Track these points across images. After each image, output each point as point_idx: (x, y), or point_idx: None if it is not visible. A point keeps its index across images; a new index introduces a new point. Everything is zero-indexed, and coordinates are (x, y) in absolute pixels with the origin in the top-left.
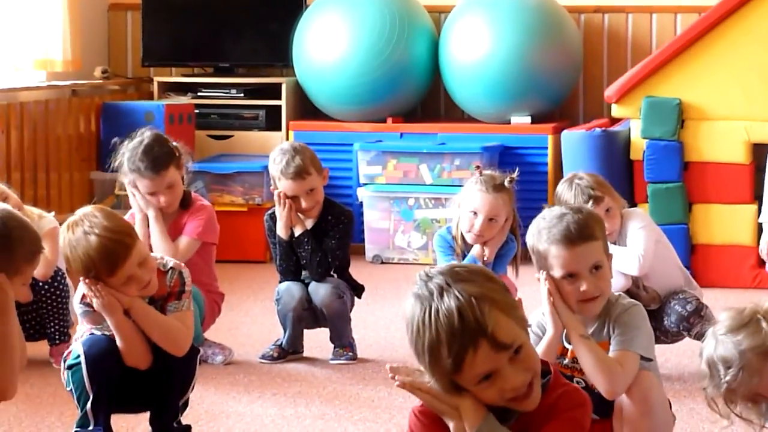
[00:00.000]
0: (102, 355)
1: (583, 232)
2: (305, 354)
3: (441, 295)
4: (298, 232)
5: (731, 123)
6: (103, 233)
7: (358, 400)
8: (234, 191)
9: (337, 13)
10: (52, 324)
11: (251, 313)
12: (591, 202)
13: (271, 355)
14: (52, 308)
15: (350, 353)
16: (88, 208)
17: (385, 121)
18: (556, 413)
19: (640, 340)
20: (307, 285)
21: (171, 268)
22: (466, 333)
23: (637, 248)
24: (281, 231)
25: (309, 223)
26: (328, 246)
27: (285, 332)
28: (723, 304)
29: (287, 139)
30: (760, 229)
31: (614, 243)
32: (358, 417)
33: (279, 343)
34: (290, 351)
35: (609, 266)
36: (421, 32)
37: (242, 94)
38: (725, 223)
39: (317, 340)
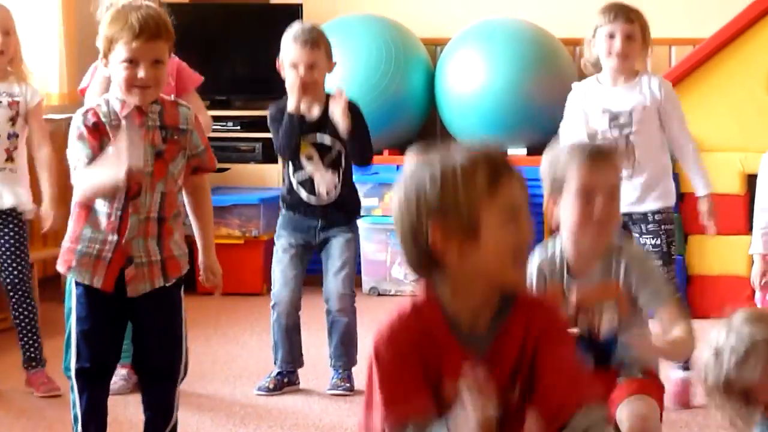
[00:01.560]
0: (95, 376)
1: (606, 154)
2: (302, 386)
3: (454, 149)
4: (316, 113)
5: (726, 154)
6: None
7: None
8: (231, 224)
9: (332, 46)
10: (26, 348)
11: (248, 345)
12: (622, 19)
13: (267, 387)
14: (24, 330)
15: (347, 384)
16: None
17: (381, 153)
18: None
19: (667, 286)
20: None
21: (184, 106)
22: (502, 159)
23: None
24: (292, 106)
25: (314, 112)
26: (360, 135)
27: (279, 350)
28: None
29: (283, 171)
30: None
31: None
32: None
33: (275, 374)
34: (286, 381)
35: (618, 201)
36: (417, 65)
37: (238, 127)
38: (721, 254)
39: (314, 372)
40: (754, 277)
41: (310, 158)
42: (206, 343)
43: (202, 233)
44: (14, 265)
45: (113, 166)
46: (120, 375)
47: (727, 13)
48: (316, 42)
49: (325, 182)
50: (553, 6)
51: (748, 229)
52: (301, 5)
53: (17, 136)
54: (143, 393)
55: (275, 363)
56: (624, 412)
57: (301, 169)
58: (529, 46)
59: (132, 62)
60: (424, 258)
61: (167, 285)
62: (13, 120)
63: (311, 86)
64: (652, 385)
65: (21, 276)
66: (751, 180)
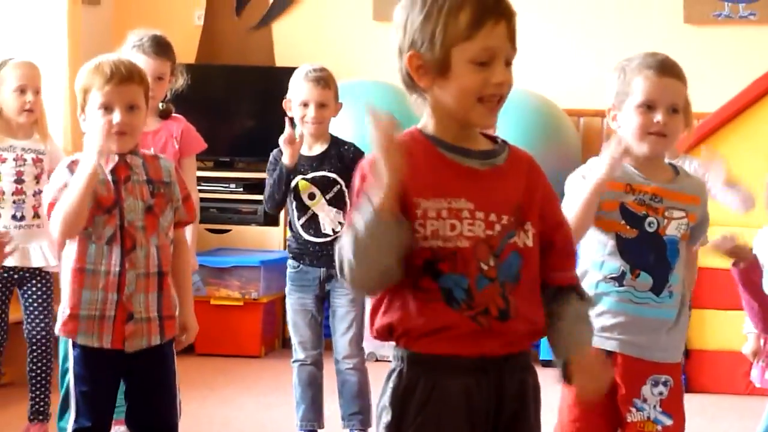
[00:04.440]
0: None
1: (675, 69)
2: None
3: None
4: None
5: (725, 229)
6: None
7: None
8: (231, 285)
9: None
10: (36, 401)
11: (245, 408)
12: None
13: None
14: (38, 384)
15: None
16: None
17: None
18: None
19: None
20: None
21: (164, 159)
22: (496, 5)
23: None
24: (287, 159)
25: (316, 149)
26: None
27: (301, 408)
28: (716, 410)
29: (285, 235)
30: None
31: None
32: None
33: None
34: None
35: (682, 122)
36: None
37: (241, 189)
38: (719, 329)
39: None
40: (749, 355)
41: (312, 197)
42: (202, 404)
43: (180, 287)
44: (39, 319)
45: (83, 162)
46: (120, 431)
47: (731, 89)
48: (327, 82)
49: (330, 219)
50: (558, 77)
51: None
52: None
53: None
54: None
55: (297, 424)
56: None
57: (305, 209)
58: (533, 116)
59: (107, 108)
60: (406, 82)
61: (162, 343)
62: (38, 178)
63: (318, 126)
64: None
65: (45, 332)
66: None
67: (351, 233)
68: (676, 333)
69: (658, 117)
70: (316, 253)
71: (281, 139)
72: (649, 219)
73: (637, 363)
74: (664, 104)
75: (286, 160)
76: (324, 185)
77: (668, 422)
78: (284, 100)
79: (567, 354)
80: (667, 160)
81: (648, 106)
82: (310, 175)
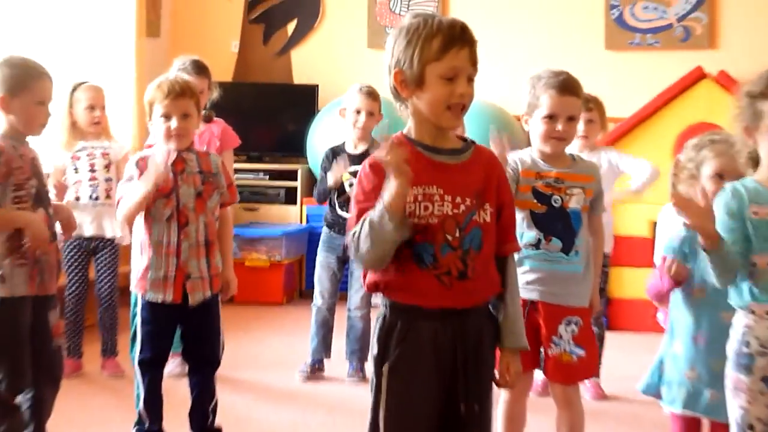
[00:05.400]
0: (153, 364)
1: (573, 87)
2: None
3: (433, 16)
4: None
5: (639, 206)
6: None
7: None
8: (259, 250)
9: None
10: (105, 341)
11: (271, 345)
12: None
13: (306, 372)
14: (106, 327)
15: (361, 374)
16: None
17: None
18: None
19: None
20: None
21: (213, 155)
22: (461, 35)
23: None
24: (331, 181)
25: (360, 148)
26: None
27: (314, 342)
28: (630, 345)
29: (301, 213)
30: None
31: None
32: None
33: (310, 362)
34: (317, 367)
35: (577, 127)
36: None
37: (267, 177)
38: (633, 282)
39: (334, 362)
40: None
41: (351, 185)
42: (239, 343)
43: (224, 253)
44: (108, 279)
45: (144, 182)
46: (176, 362)
47: (641, 99)
48: (375, 96)
49: None
50: (507, 89)
51: (653, 264)
52: (317, 85)
53: (111, 179)
54: (191, 377)
55: (309, 352)
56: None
57: (343, 193)
58: (490, 120)
59: (167, 117)
60: (393, 94)
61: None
62: (107, 167)
63: (363, 131)
64: (582, 366)
65: (111, 288)
66: (656, 226)
67: (368, 231)
68: (584, 283)
69: (559, 126)
70: (344, 225)
71: (331, 179)
72: (554, 197)
73: (554, 308)
74: (563, 116)
75: (330, 183)
76: None
77: (581, 352)
78: (340, 109)
79: (501, 338)
80: (568, 151)
81: (551, 117)
82: (351, 169)
